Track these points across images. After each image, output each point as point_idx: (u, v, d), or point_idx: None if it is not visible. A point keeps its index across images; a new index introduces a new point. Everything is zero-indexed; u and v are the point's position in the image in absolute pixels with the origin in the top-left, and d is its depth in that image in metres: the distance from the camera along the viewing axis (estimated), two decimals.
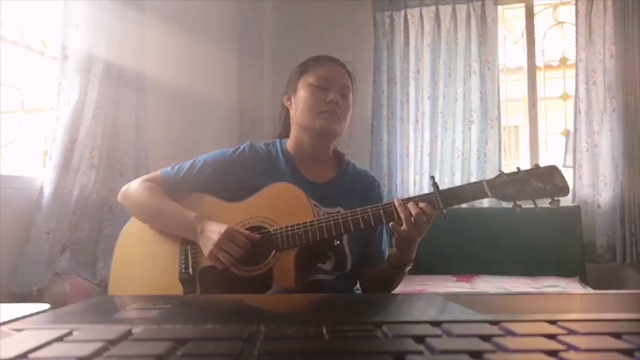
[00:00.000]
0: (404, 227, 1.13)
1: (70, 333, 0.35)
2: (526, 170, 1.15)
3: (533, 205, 1.14)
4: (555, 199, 1.12)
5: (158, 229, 1.27)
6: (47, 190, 1.89)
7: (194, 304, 0.59)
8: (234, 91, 3.40)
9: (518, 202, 1.13)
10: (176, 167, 1.32)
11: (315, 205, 1.25)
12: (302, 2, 3.54)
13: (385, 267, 1.28)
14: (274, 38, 3.56)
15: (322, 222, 1.15)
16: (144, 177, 1.33)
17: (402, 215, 1.13)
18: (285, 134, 1.38)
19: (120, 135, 2.18)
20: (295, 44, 3.49)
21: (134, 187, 1.30)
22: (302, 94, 1.29)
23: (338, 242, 1.20)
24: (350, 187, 1.34)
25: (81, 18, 2.01)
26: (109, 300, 0.60)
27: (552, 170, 1.14)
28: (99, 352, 0.30)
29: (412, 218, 1.12)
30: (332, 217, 1.16)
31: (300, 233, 1.15)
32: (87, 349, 0.30)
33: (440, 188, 1.16)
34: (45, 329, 0.38)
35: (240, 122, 3.40)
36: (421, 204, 1.13)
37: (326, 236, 1.15)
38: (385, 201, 1.38)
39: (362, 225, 1.15)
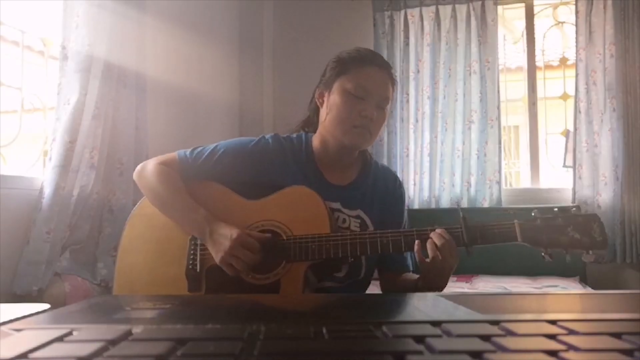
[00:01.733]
0: (428, 259, 1.08)
1: (70, 333, 0.35)
2: (564, 217, 1.07)
3: (564, 253, 1.06)
4: (590, 252, 1.04)
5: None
6: (47, 190, 1.89)
7: (194, 304, 0.59)
8: (234, 91, 3.40)
9: (549, 251, 1.06)
10: (196, 152, 1.26)
11: (337, 210, 1.21)
12: (302, 2, 3.54)
13: (411, 288, 1.20)
14: (274, 38, 3.56)
15: (337, 240, 1.10)
16: (161, 157, 1.27)
17: (427, 246, 1.08)
18: (313, 128, 1.31)
19: (120, 135, 2.18)
20: (295, 44, 3.50)
21: (149, 168, 1.25)
22: (336, 98, 1.20)
23: (352, 259, 1.16)
24: (372, 188, 1.29)
25: (81, 18, 2.02)
26: (109, 300, 0.60)
27: (592, 220, 1.06)
28: (99, 352, 0.30)
29: (435, 252, 1.07)
30: (349, 236, 1.11)
31: (313, 247, 1.10)
32: (87, 349, 0.30)
33: (467, 222, 1.09)
34: (45, 329, 0.38)
35: (240, 121, 3.40)
36: (446, 238, 1.07)
37: (340, 255, 1.10)
38: (406, 201, 1.35)
39: (379, 249, 1.10)
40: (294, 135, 1.31)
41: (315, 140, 1.28)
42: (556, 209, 1.09)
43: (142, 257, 1.23)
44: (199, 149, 1.27)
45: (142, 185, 1.27)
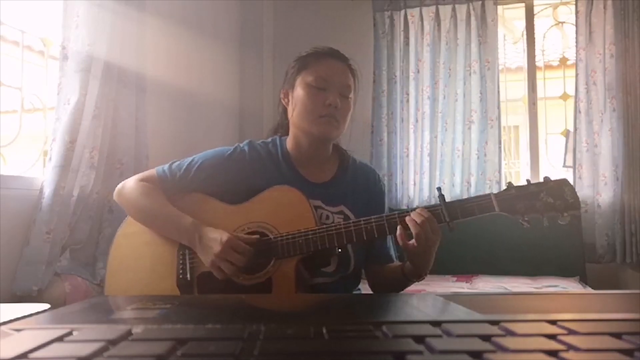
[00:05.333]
0: (412, 239, 1.10)
1: (70, 333, 0.35)
2: (536, 184, 1.11)
3: (542, 219, 1.10)
4: (566, 214, 1.08)
5: (153, 231, 1.24)
6: (47, 190, 1.89)
7: (193, 304, 0.59)
8: (235, 91, 3.40)
9: (526, 218, 1.09)
10: (173, 166, 1.27)
11: (319, 207, 1.23)
12: (302, 2, 3.54)
13: (398, 274, 1.23)
14: (274, 38, 3.56)
15: (323, 232, 1.12)
16: (140, 175, 1.28)
17: (409, 226, 1.09)
18: (285, 130, 1.34)
19: (120, 135, 2.18)
20: (295, 44, 3.47)
21: (130, 185, 1.26)
22: (299, 93, 1.24)
23: (340, 250, 1.17)
24: (352, 183, 1.31)
25: (81, 18, 2.01)
26: (109, 300, 0.60)
27: (563, 184, 1.10)
28: (99, 352, 0.30)
29: (418, 229, 1.08)
30: (334, 226, 1.13)
31: (301, 241, 1.12)
32: (87, 349, 0.30)
33: (446, 199, 1.12)
34: (45, 329, 0.38)
35: (240, 121, 3.40)
36: (425, 215, 1.10)
37: (327, 246, 1.12)
38: (386, 195, 1.37)
39: (365, 236, 1.12)
40: (268, 140, 1.34)
41: (289, 141, 1.31)
42: (528, 179, 1.14)
43: (131, 276, 1.23)
44: (176, 164, 1.28)
45: (124, 202, 1.27)
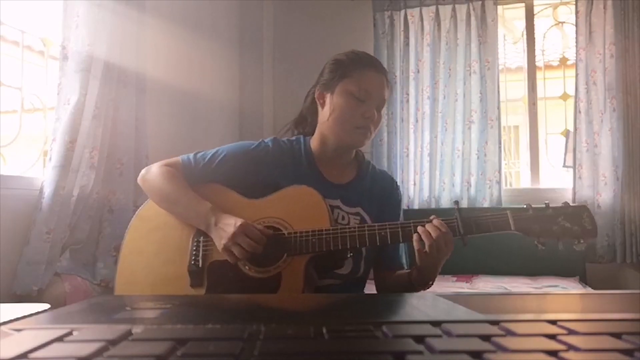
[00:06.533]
0: (425, 249, 1.10)
1: (70, 333, 0.35)
2: (555, 208, 1.12)
3: (557, 243, 1.10)
4: (582, 241, 1.08)
5: (173, 216, 1.26)
6: (47, 190, 1.89)
7: (194, 304, 0.59)
8: (234, 91, 3.40)
9: (542, 240, 1.09)
10: (198, 156, 1.30)
11: (337, 207, 1.25)
12: (302, 2, 3.55)
13: (405, 281, 1.24)
14: (273, 38, 3.56)
15: (337, 233, 1.13)
16: (165, 161, 1.30)
17: (422, 237, 1.11)
18: (311, 127, 1.35)
19: (120, 135, 2.18)
20: (295, 44, 3.49)
21: (154, 170, 1.28)
22: (339, 101, 1.25)
23: (351, 254, 1.18)
24: (370, 188, 1.32)
25: (81, 18, 2.01)
26: (109, 300, 0.60)
27: (582, 210, 1.11)
28: (99, 352, 0.30)
29: (431, 241, 1.09)
30: (349, 228, 1.14)
31: (314, 240, 1.13)
32: (87, 349, 0.30)
33: (461, 213, 1.13)
34: (45, 329, 0.38)
35: (240, 121, 3.40)
36: (443, 229, 1.10)
37: (340, 247, 1.13)
38: (403, 202, 1.37)
39: (378, 241, 1.13)
40: (293, 138, 1.36)
41: (314, 141, 1.32)
42: (547, 202, 1.13)
43: (145, 257, 1.25)
44: (201, 153, 1.30)
45: (147, 186, 1.29)
